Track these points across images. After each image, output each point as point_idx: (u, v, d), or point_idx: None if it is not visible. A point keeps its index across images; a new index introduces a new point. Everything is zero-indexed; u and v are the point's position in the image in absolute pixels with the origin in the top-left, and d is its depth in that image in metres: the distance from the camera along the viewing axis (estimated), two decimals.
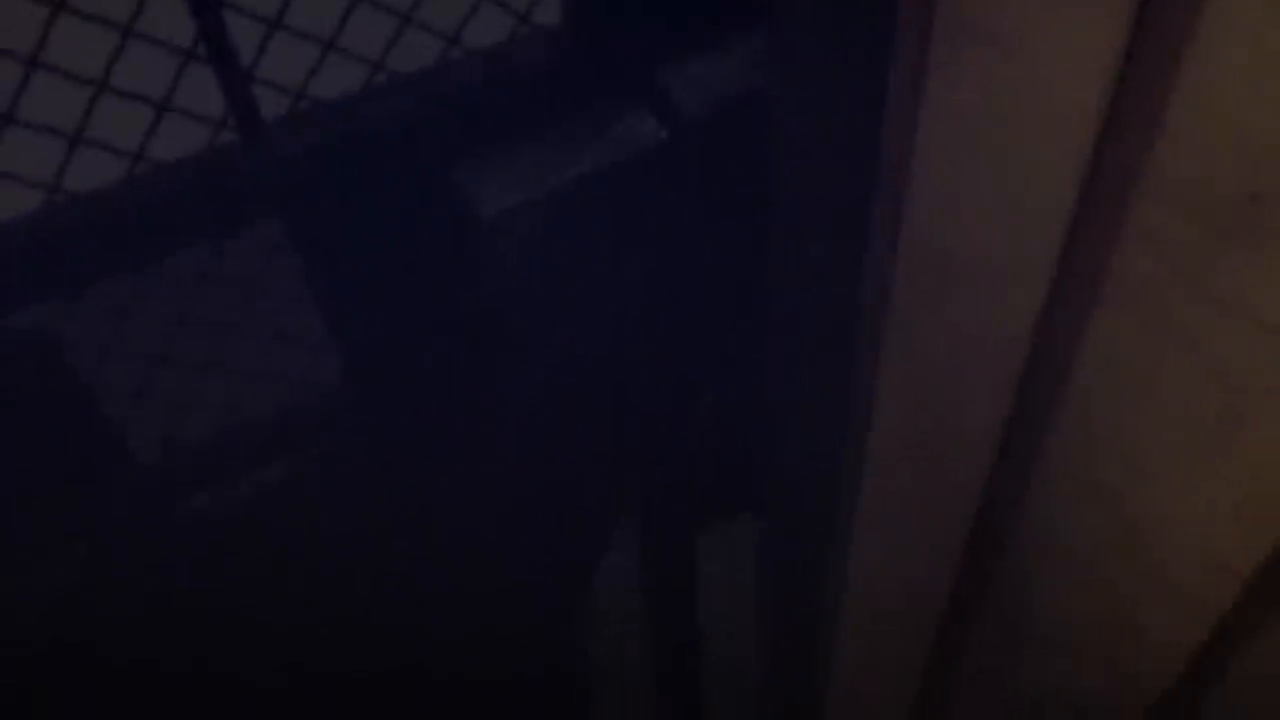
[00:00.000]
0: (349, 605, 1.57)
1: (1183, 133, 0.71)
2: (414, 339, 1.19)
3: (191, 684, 1.51)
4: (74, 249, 1.01)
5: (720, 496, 1.59)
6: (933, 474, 1.13)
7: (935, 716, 1.49)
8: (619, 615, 2.19)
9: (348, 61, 1.07)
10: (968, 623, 1.34)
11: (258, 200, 1.02)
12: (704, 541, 2.06)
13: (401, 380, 1.21)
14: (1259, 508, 0.97)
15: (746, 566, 2.13)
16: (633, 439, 1.47)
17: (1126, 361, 0.93)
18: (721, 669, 2.13)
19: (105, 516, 1.21)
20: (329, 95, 1.13)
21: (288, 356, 1.31)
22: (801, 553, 1.39)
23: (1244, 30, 0.62)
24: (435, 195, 1.08)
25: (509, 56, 1.07)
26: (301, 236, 1.07)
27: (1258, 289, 0.82)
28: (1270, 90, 0.65)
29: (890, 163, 0.78)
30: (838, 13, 0.72)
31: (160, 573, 1.36)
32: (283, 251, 1.29)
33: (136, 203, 1.03)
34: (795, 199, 1.00)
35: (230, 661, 1.55)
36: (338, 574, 1.53)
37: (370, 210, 1.08)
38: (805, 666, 1.50)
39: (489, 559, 1.64)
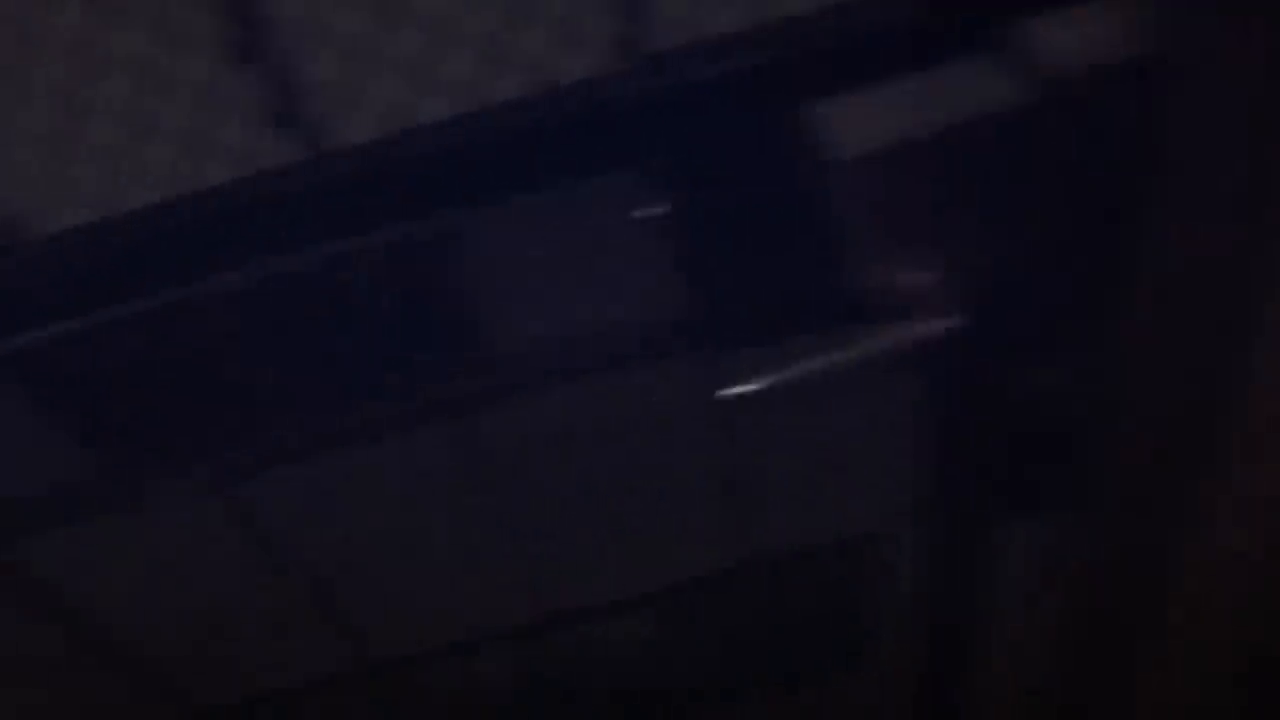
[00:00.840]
0: None
1: None
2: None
3: None
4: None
5: (1034, 490, 1.55)
6: None
7: None
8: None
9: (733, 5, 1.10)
10: None
11: (641, 128, 1.09)
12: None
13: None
14: None
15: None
16: (960, 408, 1.43)
17: None
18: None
19: None
20: (713, 31, 1.17)
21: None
22: (1132, 550, 1.34)
23: None
24: (799, 135, 1.11)
25: (874, 9, 1.08)
26: (677, 167, 1.12)
27: None
28: None
29: None
30: None
31: None
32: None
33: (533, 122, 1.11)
34: (1183, 179, 0.96)
35: None
36: None
37: (742, 146, 1.13)
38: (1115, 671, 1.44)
39: None
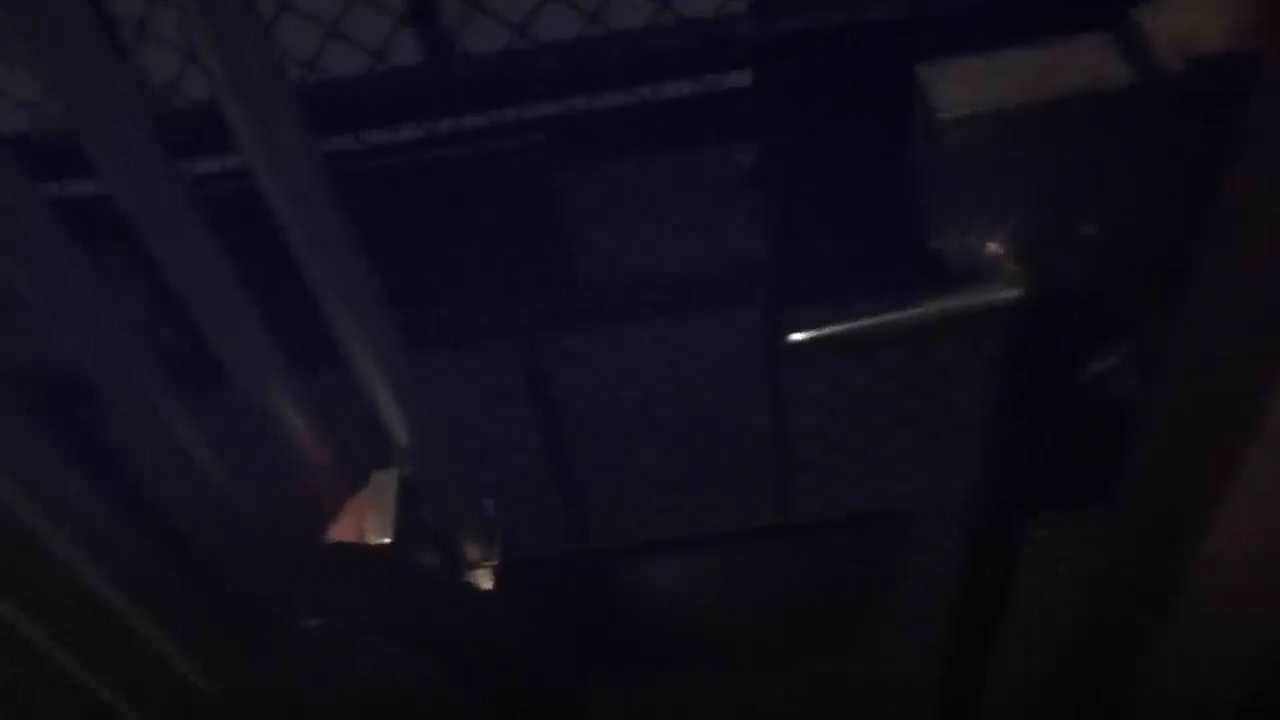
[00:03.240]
0: None
1: None
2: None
3: None
4: None
5: (1072, 483, 1.57)
6: None
7: None
8: None
9: None
10: None
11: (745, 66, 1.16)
12: None
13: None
14: None
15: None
16: (1008, 394, 1.46)
17: None
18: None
19: None
20: None
21: None
22: (1141, 549, 1.36)
23: None
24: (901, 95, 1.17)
25: None
26: (771, 112, 1.17)
27: None
28: None
29: None
30: None
31: None
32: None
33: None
34: (1248, 173, 0.98)
35: None
36: None
37: (839, 97, 1.18)
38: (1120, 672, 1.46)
39: None
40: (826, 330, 1.33)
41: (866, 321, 1.33)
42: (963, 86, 1.16)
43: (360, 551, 1.35)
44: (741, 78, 1.24)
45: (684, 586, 2.05)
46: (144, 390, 1.28)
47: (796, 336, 1.33)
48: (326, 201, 1.11)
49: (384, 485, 1.35)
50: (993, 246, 1.31)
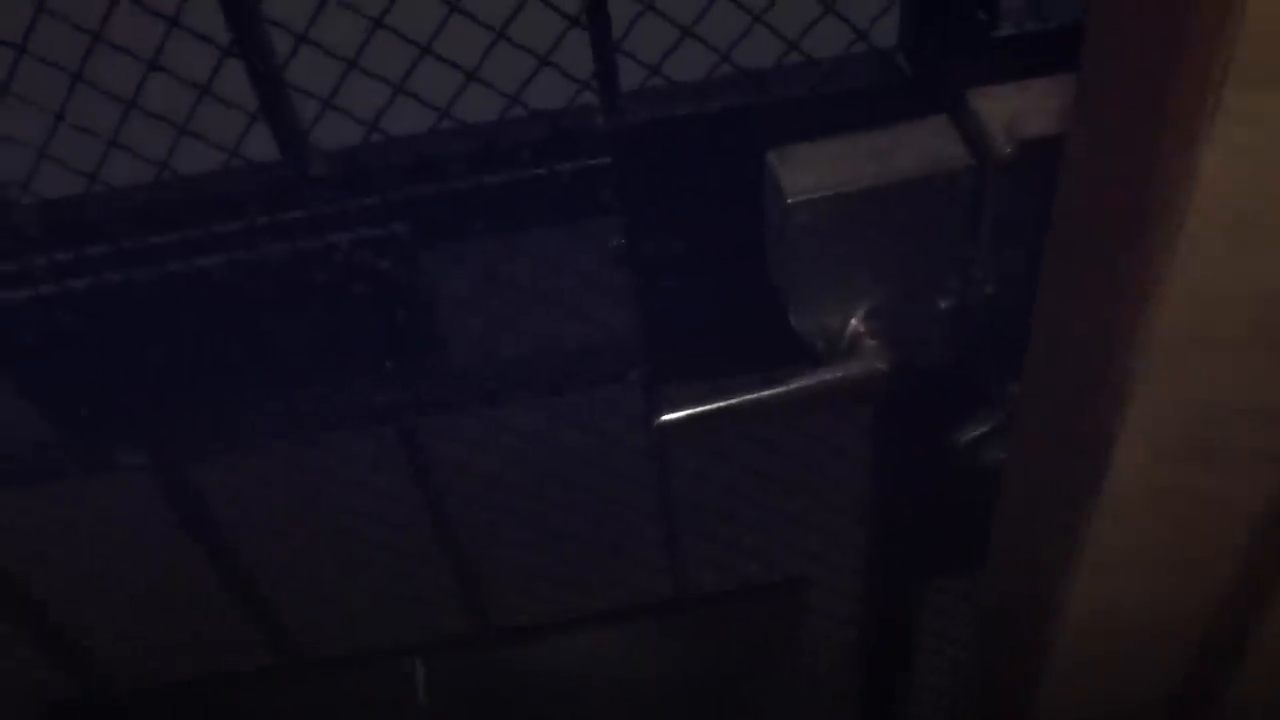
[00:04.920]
0: None
1: None
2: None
3: None
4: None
5: (958, 547, 1.59)
6: (1179, 540, 1.12)
7: None
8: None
9: (697, 48, 1.20)
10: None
11: (601, 154, 1.21)
12: None
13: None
14: None
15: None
16: (887, 467, 1.48)
17: None
18: None
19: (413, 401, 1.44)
20: (679, 77, 1.26)
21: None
22: (1016, 606, 1.39)
23: None
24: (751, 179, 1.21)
25: (842, 68, 1.20)
26: (631, 199, 1.23)
27: None
28: None
29: (1163, 208, 0.78)
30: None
31: None
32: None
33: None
34: (1060, 244, 1.02)
35: None
36: None
37: (696, 184, 1.24)
38: None
39: None
40: (697, 409, 1.35)
41: (736, 400, 1.35)
42: (810, 170, 1.20)
43: None
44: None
45: (585, 664, 2.05)
46: None
47: (669, 416, 1.36)
48: None
49: None
50: (853, 324, 1.36)
